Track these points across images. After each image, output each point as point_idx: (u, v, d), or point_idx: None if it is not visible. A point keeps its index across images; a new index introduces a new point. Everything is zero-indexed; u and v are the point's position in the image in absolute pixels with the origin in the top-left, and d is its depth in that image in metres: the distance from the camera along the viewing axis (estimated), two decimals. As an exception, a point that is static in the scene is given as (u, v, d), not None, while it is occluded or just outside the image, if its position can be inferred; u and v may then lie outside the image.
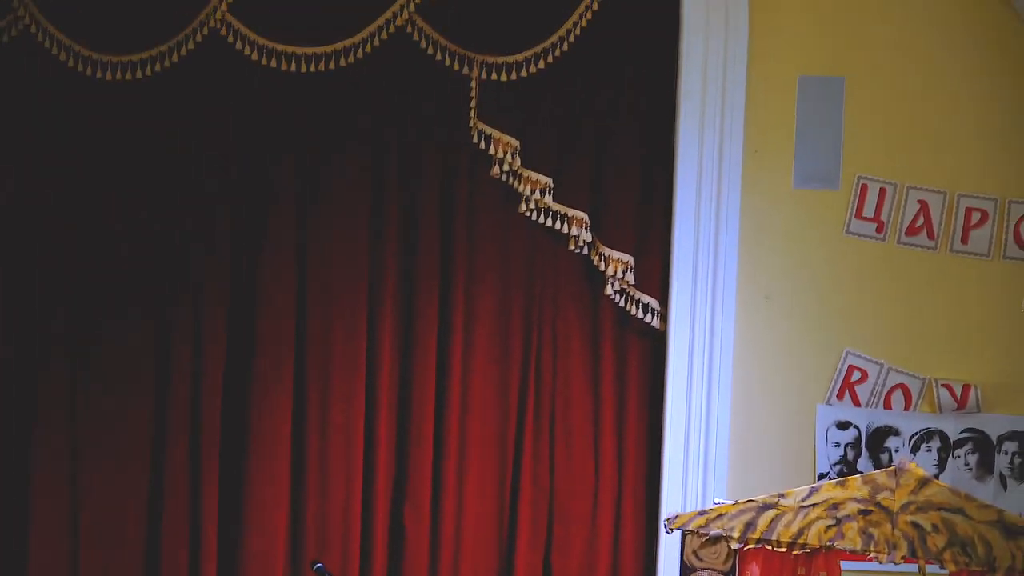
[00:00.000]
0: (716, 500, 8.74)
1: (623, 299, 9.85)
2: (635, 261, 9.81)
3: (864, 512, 7.96)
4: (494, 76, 9.82)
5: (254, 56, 9.77)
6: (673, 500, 9.63)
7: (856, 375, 9.80)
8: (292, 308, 9.88)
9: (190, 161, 9.87)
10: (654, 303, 9.84)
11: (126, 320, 9.85)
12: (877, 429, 9.83)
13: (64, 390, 9.83)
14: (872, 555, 7.94)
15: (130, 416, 9.85)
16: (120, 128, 9.85)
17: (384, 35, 9.76)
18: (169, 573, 9.85)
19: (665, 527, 8.34)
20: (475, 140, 9.82)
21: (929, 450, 9.81)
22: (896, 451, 9.78)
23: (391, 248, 9.90)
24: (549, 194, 9.80)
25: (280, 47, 9.78)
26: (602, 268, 9.80)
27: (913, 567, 7.97)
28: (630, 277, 9.81)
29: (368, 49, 9.79)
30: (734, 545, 8.12)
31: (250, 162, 9.92)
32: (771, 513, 8.07)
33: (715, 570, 8.20)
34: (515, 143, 9.80)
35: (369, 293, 9.89)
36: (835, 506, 8.02)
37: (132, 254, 9.85)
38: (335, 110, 9.89)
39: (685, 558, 8.23)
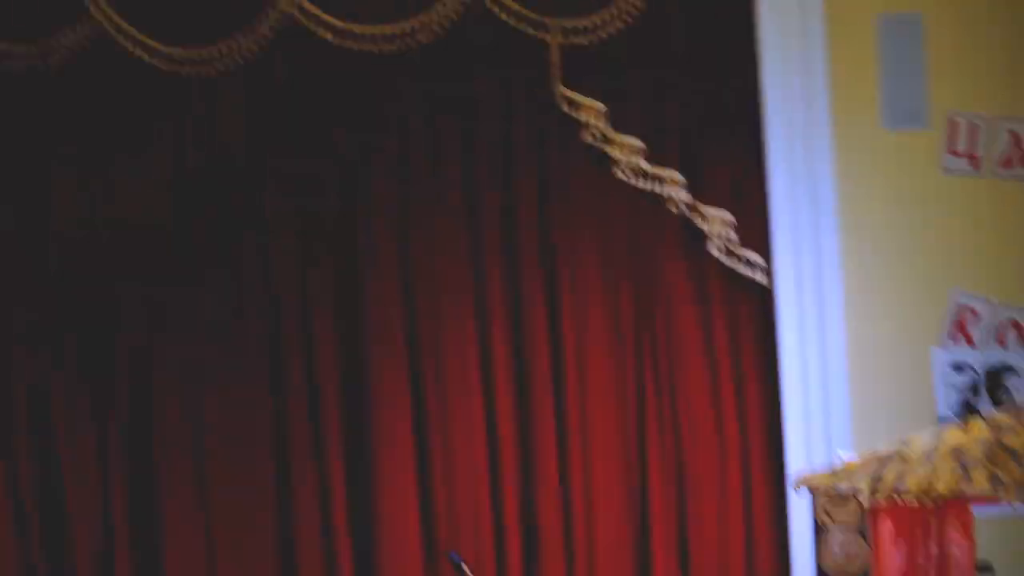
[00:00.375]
0: (839, 452, 8.81)
1: (728, 257, 9.81)
2: (736, 218, 9.78)
3: (990, 456, 7.80)
4: (573, 39, 9.74)
5: (332, 38, 9.70)
6: (798, 457, 9.60)
7: (967, 315, 9.75)
8: (400, 303, 9.90)
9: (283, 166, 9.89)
10: (759, 259, 9.81)
11: (240, 337, 9.92)
12: (994, 368, 9.78)
13: (187, 408, 9.90)
14: (1003, 498, 7.72)
15: (253, 429, 9.92)
16: (208, 130, 9.90)
17: (459, 7, 9.67)
18: (307, 571, 9.91)
19: (793, 488, 8.29)
20: (562, 107, 9.78)
21: None
22: (1016, 390, 9.74)
23: (491, 226, 9.90)
24: (642, 157, 9.76)
25: (358, 28, 9.72)
26: (704, 227, 9.78)
27: None
28: (732, 234, 9.79)
29: (444, 23, 9.71)
30: (864, 501, 8.15)
31: (345, 148, 9.92)
32: (897, 465, 7.92)
33: (848, 527, 8.30)
34: (602, 107, 9.76)
35: (474, 276, 9.90)
36: (960, 452, 7.88)
37: (239, 272, 9.92)
38: (411, 90, 9.89)
39: (817, 517, 8.35)
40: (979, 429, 8.05)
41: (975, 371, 9.83)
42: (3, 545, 9.81)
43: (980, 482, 7.82)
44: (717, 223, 9.78)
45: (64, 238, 9.80)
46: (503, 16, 9.74)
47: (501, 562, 9.89)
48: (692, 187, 9.81)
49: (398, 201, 9.88)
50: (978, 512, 8.25)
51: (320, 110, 9.86)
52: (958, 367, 9.81)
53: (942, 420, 9.65)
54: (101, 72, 9.72)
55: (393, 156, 9.89)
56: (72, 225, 9.80)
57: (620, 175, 9.79)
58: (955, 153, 9.76)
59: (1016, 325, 9.79)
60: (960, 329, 9.79)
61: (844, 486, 8.07)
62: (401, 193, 9.90)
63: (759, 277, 9.84)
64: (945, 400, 9.83)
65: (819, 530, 8.43)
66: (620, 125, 9.79)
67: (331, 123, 9.87)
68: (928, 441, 8.13)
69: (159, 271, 9.84)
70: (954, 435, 8.10)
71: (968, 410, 9.69)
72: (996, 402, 9.72)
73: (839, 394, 9.76)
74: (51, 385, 9.81)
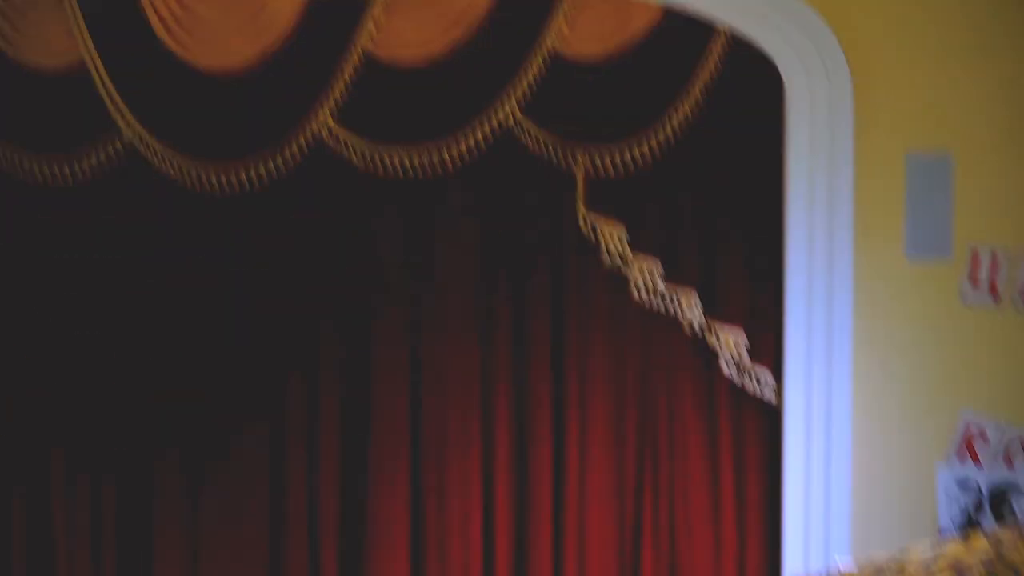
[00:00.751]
0: (837, 557, 8.74)
1: (738, 373, 9.83)
2: (748, 337, 9.80)
3: (990, 573, 7.65)
4: (599, 164, 9.86)
5: (357, 161, 9.82)
6: (794, 563, 9.57)
7: (975, 434, 9.69)
8: (406, 398, 9.92)
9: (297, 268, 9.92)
10: (768, 377, 9.80)
11: (239, 414, 9.95)
12: (999, 487, 9.69)
13: (180, 484, 9.93)
14: None
15: (247, 507, 9.92)
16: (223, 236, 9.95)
17: (489, 134, 9.80)
18: None
19: None
20: (583, 228, 9.88)
21: None
22: (1020, 509, 9.64)
23: (503, 337, 9.94)
24: (659, 276, 9.83)
25: (383, 149, 9.84)
26: (715, 346, 9.80)
27: None
28: (744, 353, 9.80)
29: (472, 147, 9.84)
30: None
31: (358, 263, 9.99)
32: (895, 574, 7.97)
33: None
34: (622, 228, 9.86)
35: (482, 383, 9.92)
36: (960, 565, 7.73)
37: (246, 343, 9.94)
38: (437, 210, 10.00)
39: None
40: (980, 543, 8.00)
41: (980, 489, 9.72)
42: None
43: None
44: (730, 342, 9.80)
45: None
46: (530, 144, 9.87)
47: None
48: (707, 306, 9.85)
49: (410, 307, 9.99)
50: None
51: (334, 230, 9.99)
52: (963, 485, 9.71)
53: (943, 532, 9.59)
54: (128, 186, 9.83)
55: (407, 273, 10.01)
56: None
57: (636, 296, 9.86)
58: (975, 283, 9.76)
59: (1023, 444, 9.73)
60: (968, 449, 9.72)
61: None
62: (413, 302, 10.01)
63: (768, 395, 9.83)
64: (948, 515, 9.73)
65: None
66: (638, 246, 9.88)
67: (349, 240, 10.01)
68: (927, 553, 8.08)
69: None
70: (954, 548, 8.02)
71: (970, 524, 9.63)
72: (999, 519, 9.62)
73: (841, 510, 9.70)
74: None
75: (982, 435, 9.71)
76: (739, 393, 9.89)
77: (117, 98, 9.66)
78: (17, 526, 9.91)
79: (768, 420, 9.89)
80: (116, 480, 9.89)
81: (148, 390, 9.85)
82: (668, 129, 9.77)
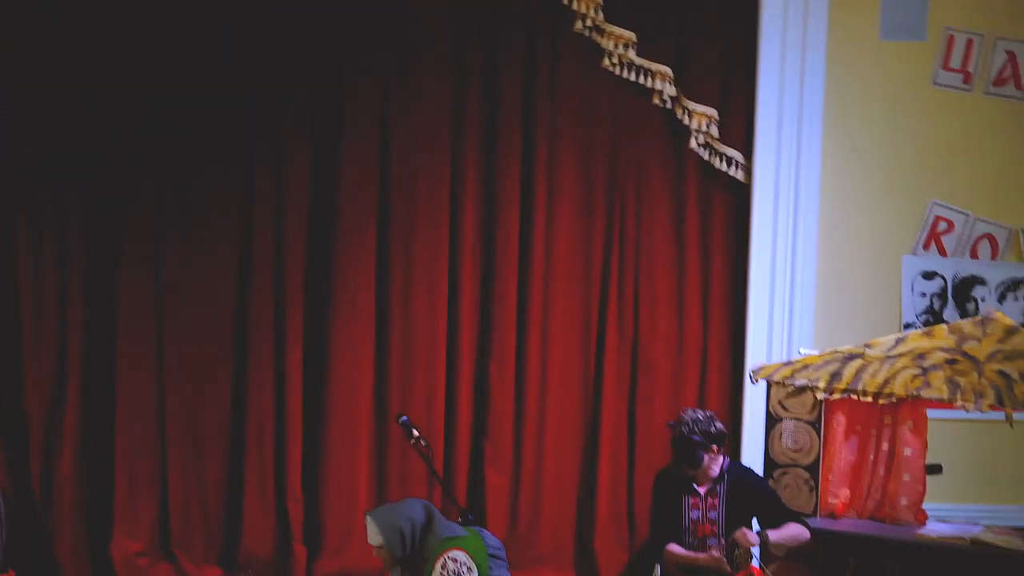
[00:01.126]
0: (801, 351, 8.83)
1: (707, 152, 9.82)
2: (719, 114, 9.77)
3: (951, 361, 8.02)
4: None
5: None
6: (758, 352, 9.69)
7: (942, 225, 9.82)
8: (375, 165, 9.87)
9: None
10: (738, 156, 9.82)
11: (212, 178, 9.89)
12: (963, 279, 9.86)
13: (149, 241, 9.90)
14: (958, 404, 7.96)
15: (216, 276, 9.93)
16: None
17: None
18: (255, 428, 9.99)
19: (750, 378, 8.51)
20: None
21: (1016, 299, 9.84)
22: (982, 300, 9.80)
23: (474, 103, 9.85)
24: (633, 49, 9.71)
25: None
26: (686, 122, 9.77)
27: (999, 415, 7.99)
28: (714, 130, 9.77)
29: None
30: (820, 395, 8.23)
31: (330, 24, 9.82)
32: (857, 363, 8.15)
33: (801, 420, 8.36)
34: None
35: (452, 145, 9.86)
36: (921, 356, 8.07)
37: (217, 121, 9.83)
38: None
39: (771, 408, 8.41)
40: (942, 335, 8.21)
41: (944, 279, 9.87)
42: None
43: (938, 386, 8.02)
44: (700, 118, 9.75)
45: None
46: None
47: (451, 429, 9.96)
48: (679, 81, 9.78)
49: (384, 72, 9.85)
50: (932, 415, 8.47)
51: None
52: (928, 275, 9.86)
53: (907, 326, 9.75)
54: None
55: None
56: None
57: (608, 65, 9.75)
58: (949, 68, 9.76)
59: (990, 238, 9.83)
60: (934, 239, 9.84)
61: (801, 380, 8.24)
62: (387, 65, 9.86)
63: (737, 174, 9.84)
64: (912, 307, 9.88)
65: (772, 421, 8.45)
66: (613, 17, 9.73)
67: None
68: (890, 343, 8.28)
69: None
70: (917, 339, 8.25)
71: (934, 318, 9.78)
72: (963, 312, 9.79)
73: (806, 293, 9.82)
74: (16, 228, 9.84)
75: (948, 226, 9.82)
76: (708, 172, 9.92)
77: None
78: None
79: (736, 201, 9.93)
80: (84, 217, 9.86)
81: (124, 126, 9.80)
82: None
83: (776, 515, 8.08)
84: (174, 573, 9.97)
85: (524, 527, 10.03)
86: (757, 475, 8.33)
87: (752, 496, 8.12)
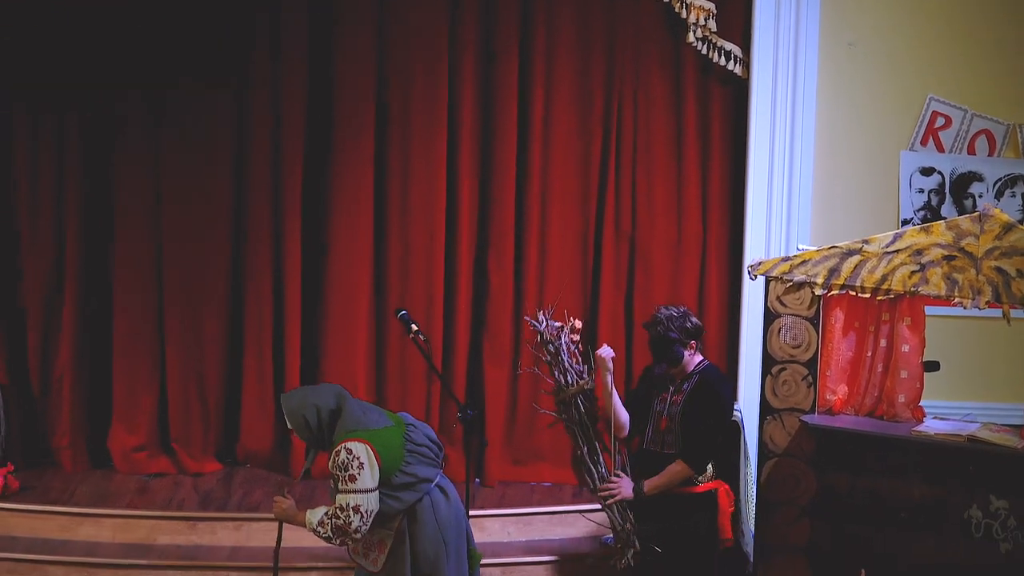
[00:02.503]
0: (800, 247, 8.82)
1: (705, 47, 9.80)
2: (717, 8, 9.72)
3: (948, 258, 8.03)
4: None
5: None
6: (756, 248, 9.74)
7: (940, 121, 9.82)
8: (372, 62, 9.84)
9: None
10: (736, 50, 9.80)
11: (208, 77, 9.86)
12: (961, 175, 9.88)
13: (146, 139, 9.91)
14: (956, 300, 8.00)
15: (213, 173, 9.96)
16: None
17: None
18: (254, 324, 10.07)
19: (749, 273, 8.50)
20: None
21: (1013, 195, 9.87)
22: (980, 197, 9.83)
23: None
24: None
25: None
26: (684, 16, 9.72)
27: (997, 312, 8.01)
28: (712, 24, 9.73)
29: None
30: (818, 291, 8.23)
31: None
32: (855, 259, 8.18)
33: (799, 316, 8.32)
34: None
35: (450, 39, 9.82)
36: (919, 252, 8.08)
37: (213, 17, 9.79)
38: None
39: (769, 304, 8.38)
40: (940, 232, 8.17)
41: (942, 175, 9.90)
42: None
43: (936, 283, 8.03)
44: (697, 12, 9.70)
45: None
46: None
47: (449, 325, 10.07)
48: None
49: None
50: (930, 312, 8.43)
51: None
52: (926, 170, 9.89)
53: (904, 222, 9.78)
54: None
55: None
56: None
57: None
58: None
59: (987, 134, 9.85)
60: (932, 135, 9.86)
61: (799, 275, 8.26)
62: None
63: (736, 68, 9.83)
64: (910, 203, 9.92)
65: (770, 317, 8.42)
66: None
67: None
68: (888, 239, 8.26)
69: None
70: (915, 236, 8.22)
71: (931, 214, 9.82)
72: (960, 208, 9.83)
73: (804, 189, 9.87)
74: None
75: (946, 121, 9.84)
76: (706, 67, 9.91)
77: None
78: None
79: (735, 96, 9.93)
80: (80, 115, 9.84)
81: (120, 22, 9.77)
82: None
83: (689, 438, 8.13)
84: (172, 467, 10.13)
85: (523, 422, 10.18)
86: (722, 390, 8.30)
87: (700, 404, 8.16)
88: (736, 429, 8.86)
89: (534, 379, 9.84)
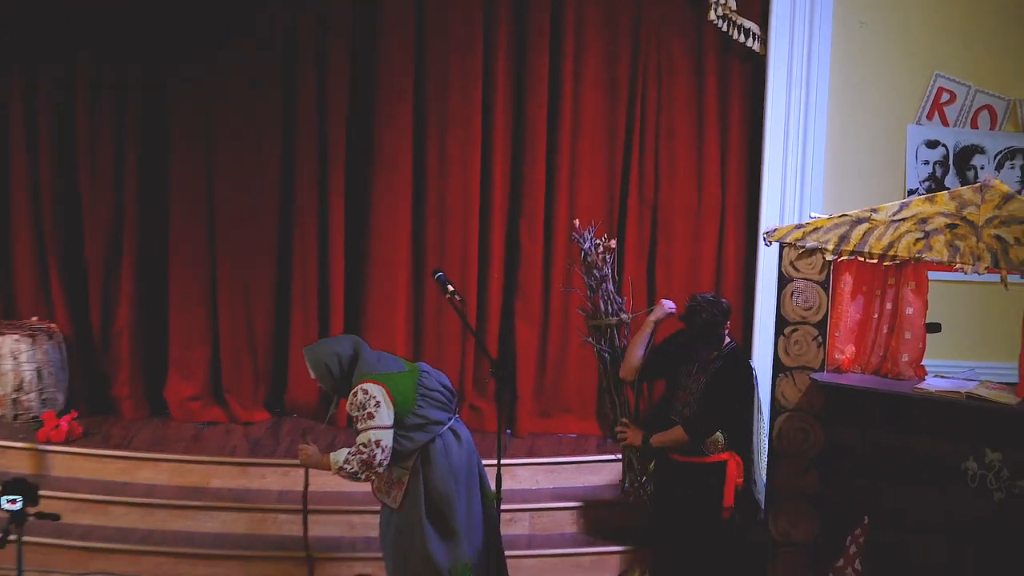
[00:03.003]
0: (812, 215, 8.85)
1: (725, 24, 9.78)
2: None
3: (951, 226, 8.03)
4: None
5: None
6: (772, 216, 9.73)
7: (945, 96, 9.79)
8: (411, 35, 9.86)
9: None
10: (755, 27, 9.78)
11: (260, 38, 9.89)
12: (964, 148, 9.85)
13: (199, 102, 9.94)
14: (958, 266, 8.02)
15: (263, 135, 9.98)
16: None
17: None
18: (300, 281, 10.10)
19: (764, 240, 8.51)
20: None
21: (1013, 167, 9.84)
22: (982, 168, 9.79)
23: None
24: None
25: None
26: None
27: (995, 277, 8.01)
28: (732, 3, 9.71)
29: None
30: (829, 256, 8.23)
31: None
32: (864, 227, 8.17)
33: (811, 280, 8.31)
34: None
35: (484, 17, 9.82)
36: (924, 220, 8.08)
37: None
38: None
39: (783, 269, 8.36)
40: (944, 202, 8.13)
41: (946, 148, 9.86)
42: (20, 216, 10.09)
43: (939, 249, 8.04)
44: None
45: None
46: None
47: (483, 286, 10.10)
48: None
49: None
50: (933, 276, 8.43)
51: None
52: (931, 143, 9.85)
53: (911, 192, 9.75)
54: None
55: None
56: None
57: None
58: None
59: (989, 109, 9.82)
60: (937, 109, 9.82)
61: (811, 242, 8.24)
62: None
63: (754, 45, 9.83)
64: (916, 174, 9.88)
65: (784, 281, 8.39)
66: None
67: None
68: (895, 208, 8.22)
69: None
70: (920, 205, 8.18)
71: (936, 184, 9.79)
72: (963, 179, 9.79)
73: (816, 160, 9.82)
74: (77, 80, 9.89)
75: (951, 96, 9.81)
76: (726, 44, 9.90)
77: None
78: (44, 131, 10.00)
79: (753, 72, 9.92)
80: (141, 75, 9.90)
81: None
82: None
83: (699, 412, 8.20)
84: (224, 416, 10.22)
85: (551, 378, 10.22)
86: (742, 375, 8.30)
87: (719, 387, 8.19)
88: (751, 387, 8.78)
89: (563, 337, 10.07)
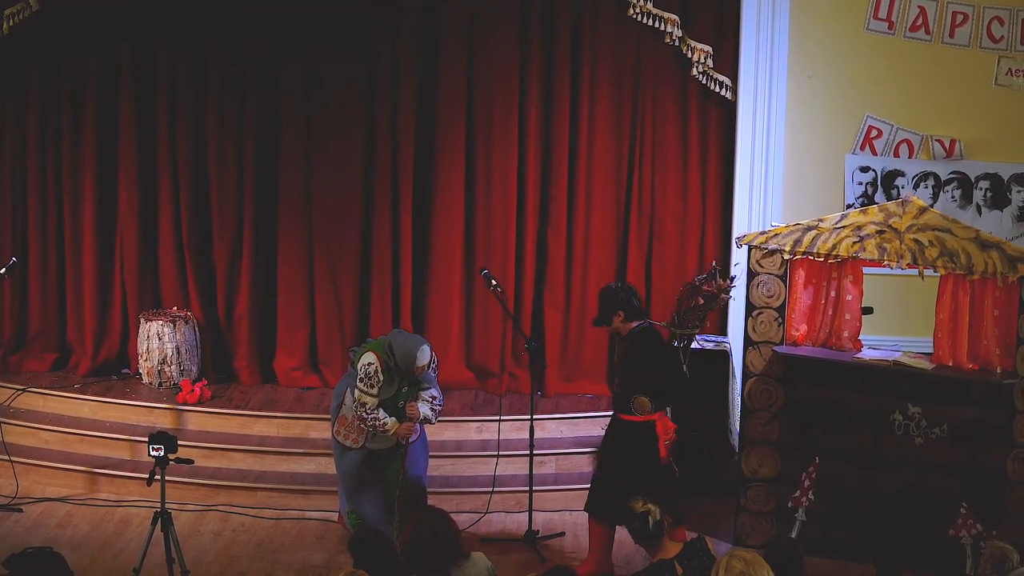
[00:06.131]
0: (773, 223, 8.93)
1: (705, 78, 9.79)
2: (713, 50, 9.71)
3: (880, 232, 8.13)
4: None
5: None
6: (742, 224, 9.82)
7: (874, 132, 9.80)
8: (463, 87, 9.85)
9: None
10: (727, 80, 9.79)
11: (346, 73, 9.82)
12: (889, 172, 9.85)
13: (300, 138, 9.88)
14: (886, 263, 8.15)
15: (347, 159, 9.93)
16: None
17: None
18: (377, 276, 10.08)
19: (736, 243, 8.62)
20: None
21: (926, 187, 9.88)
22: (903, 188, 9.82)
23: (535, 39, 9.82)
24: (651, 1, 9.69)
25: None
26: (689, 56, 9.75)
27: (914, 271, 8.15)
28: (710, 62, 9.72)
29: None
30: (786, 256, 8.30)
31: None
32: (813, 233, 8.25)
33: (772, 274, 8.38)
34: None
35: (520, 74, 9.79)
36: (859, 228, 8.17)
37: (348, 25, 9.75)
38: None
39: (751, 266, 8.44)
40: (874, 213, 8.21)
41: (875, 172, 9.85)
42: (165, 227, 10.10)
43: (871, 250, 8.16)
44: (699, 52, 9.73)
45: None
46: None
47: (519, 279, 10.10)
48: (684, 26, 9.75)
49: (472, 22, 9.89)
50: (868, 271, 8.51)
51: None
52: (864, 168, 9.85)
53: (848, 206, 9.74)
54: None
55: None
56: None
57: (632, 13, 9.74)
58: (878, 18, 9.72)
59: (908, 142, 9.83)
60: (868, 142, 9.83)
61: (773, 244, 8.32)
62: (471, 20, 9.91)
63: (727, 94, 9.84)
64: (852, 192, 9.89)
65: (752, 275, 8.41)
66: (635, -20, 9.66)
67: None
68: (836, 219, 8.26)
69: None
70: (856, 216, 8.26)
71: (867, 200, 9.79)
72: (888, 196, 9.79)
73: (775, 182, 9.81)
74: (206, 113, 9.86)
75: (878, 133, 9.83)
76: (705, 93, 9.90)
77: None
78: (182, 130, 9.98)
79: (726, 115, 9.91)
80: (258, 99, 9.85)
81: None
82: None
83: (619, 380, 8.10)
84: (320, 383, 10.19)
85: (572, 351, 10.19)
86: (647, 348, 8.05)
87: (628, 356, 8.05)
88: (724, 357, 8.94)
89: (581, 320, 9.97)
